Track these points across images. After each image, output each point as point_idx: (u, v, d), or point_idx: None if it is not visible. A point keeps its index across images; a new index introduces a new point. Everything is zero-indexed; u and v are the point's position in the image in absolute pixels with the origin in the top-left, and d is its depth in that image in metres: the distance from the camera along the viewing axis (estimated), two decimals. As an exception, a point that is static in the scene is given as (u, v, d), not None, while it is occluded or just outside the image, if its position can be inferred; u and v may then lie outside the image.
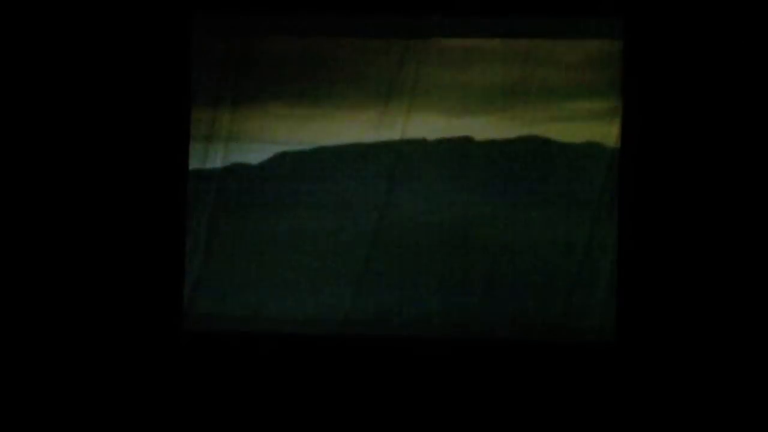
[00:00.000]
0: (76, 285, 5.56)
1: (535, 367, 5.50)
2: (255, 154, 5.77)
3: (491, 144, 5.70)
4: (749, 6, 5.44)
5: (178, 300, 5.62)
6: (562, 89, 5.67)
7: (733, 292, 5.39)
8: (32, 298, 5.54)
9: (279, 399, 5.55)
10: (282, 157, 5.77)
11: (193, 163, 5.72)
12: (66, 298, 5.56)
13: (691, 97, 5.47)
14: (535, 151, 5.68)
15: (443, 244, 5.68)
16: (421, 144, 5.73)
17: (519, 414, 5.48)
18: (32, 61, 5.58)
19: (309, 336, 5.62)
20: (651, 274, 5.44)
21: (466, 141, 5.72)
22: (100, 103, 5.59)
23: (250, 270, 5.71)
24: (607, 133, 5.63)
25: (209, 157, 5.76)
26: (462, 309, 5.64)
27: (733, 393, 5.35)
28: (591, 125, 5.66)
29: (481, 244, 5.67)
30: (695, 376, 5.39)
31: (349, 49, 5.75)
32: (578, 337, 5.57)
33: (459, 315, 5.64)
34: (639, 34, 5.54)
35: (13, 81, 5.57)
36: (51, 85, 5.59)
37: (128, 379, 5.52)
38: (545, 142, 5.68)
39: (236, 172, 5.77)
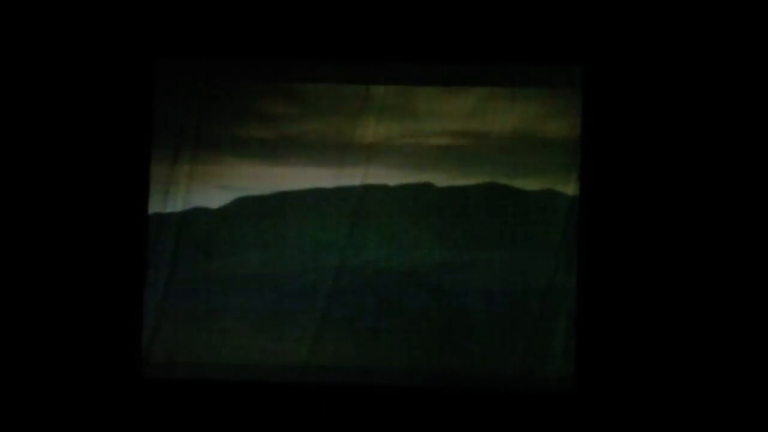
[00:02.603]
0: (33, 331, 5.48)
1: (495, 416, 5.50)
2: (215, 198, 5.73)
3: (451, 190, 5.71)
4: (708, 54, 5.51)
5: (136, 347, 5.56)
6: (522, 136, 5.69)
7: (694, 339, 5.44)
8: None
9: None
10: (242, 201, 5.73)
11: (153, 208, 5.67)
12: (22, 344, 5.48)
13: (650, 144, 5.53)
14: (494, 197, 5.70)
15: (403, 289, 5.68)
16: (381, 189, 5.72)
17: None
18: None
19: (268, 383, 5.58)
20: (611, 322, 5.48)
21: (427, 187, 5.72)
22: (59, 146, 5.53)
23: (209, 315, 5.67)
24: (566, 179, 5.67)
25: (169, 201, 5.71)
26: (422, 356, 5.64)
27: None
28: (550, 172, 5.69)
29: (442, 289, 5.67)
30: (655, 425, 5.43)
31: (310, 94, 5.73)
32: (537, 385, 5.59)
33: (419, 362, 5.64)
34: (598, 82, 5.58)
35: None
36: (13, 126, 5.53)
37: (85, 428, 5.44)
38: (505, 189, 5.70)
39: (196, 216, 5.73)
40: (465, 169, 5.71)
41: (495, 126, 5.70)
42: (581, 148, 5.61)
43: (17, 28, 5.54)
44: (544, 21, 5.57)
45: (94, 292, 5.51)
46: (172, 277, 5.67)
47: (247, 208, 5.71)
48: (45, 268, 5.50)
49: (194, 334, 5.66)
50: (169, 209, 5.71)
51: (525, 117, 5.69)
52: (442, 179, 5.71)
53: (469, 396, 5.54)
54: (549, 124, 5.69)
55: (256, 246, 5.70)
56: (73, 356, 5.49)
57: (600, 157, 5.56)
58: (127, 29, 5.56)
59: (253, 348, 5.66)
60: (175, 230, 5.69)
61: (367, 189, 5.71)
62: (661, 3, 5.51)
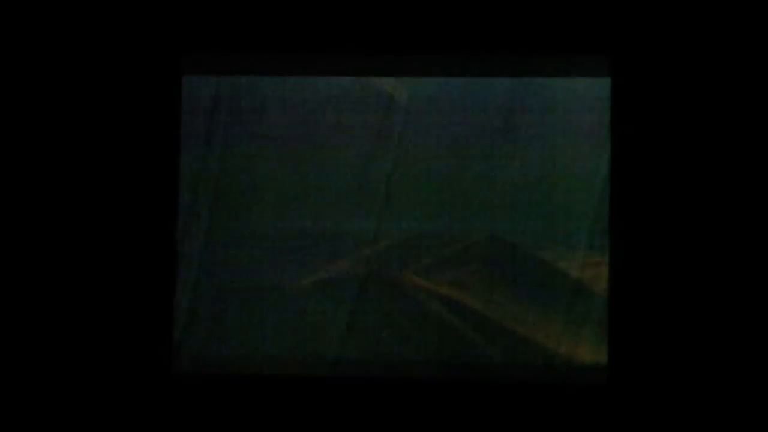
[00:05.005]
0: (62, 325, 5.51)
1: (526, 409, 5.47)
2: (243, 193, 5.74)
3: (480, 180, 5.68)
4: (738, 41, 5.48)
5: (168, 341, 5.57)
6: (552, 125, 5.68)
7: (729, 330, 5.39)
8: (14, 344, 5.49)
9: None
10: (272, 192, 5.72)
11: (182, 200, 5.68)
12: (51, 339, 5.51)
13: (681, 131, 5.49)
14: (525, 184, 5.67)
15: (435, 275, 5.68)
16: (410, 181, 5.71)
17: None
18: (18, 102, 5.58)
19: (301, 377, 5.58)
20: (645, 311, 5.44)
21: (457, 176, 5.69)
22: (85, 145, 5.57)
23: (241, 309, 5.68)
24: (596, 170, 5.64)
25: (198, 202, 5.73)
26: (452, 347, 5.63)
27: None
28: (580, 162, 5.67)
29: (470, 276, 5.66)
30: (691, 419, 5.38)
31: (338, 87, 5.74)
32: (569, 377, 5.56)
33: (449, 354, 5.62)
34: (626, 71, 5.55)
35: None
36: (38, 124, 5.58)
37: (113, 426, 5.46)
38: (536, 180, 5.68)
39: (224, 211, 5.75)
40: (495, 160, 5.68)
41: (525, 117, 5.69)
42: (611, 138, 5.57)
43: (43, 25, 5.60)
44: (568, 9, 5.54)
45: (126, 284, 5.53)
46: (203, 270, 5.68)
47: (276, 199, 5.72)
48: (77, 264, 5.54)
49: (227, 327, 5.67)
50: (198, 202, 5.73)
51: (555, 105, 5.68)
52: (472, 168, 5.69)
53: (499, 388, 5.51)
54: (578, 115, 5.67)
55: (287, 237, 5.70)
56: (102, 352, 5.51)
57: (630, 146, 5.53)
58: (153, 25, 5.59)
59: (283, 340, 5.67)
60: (205, 222, 5.72)
61: (396, 180, 5.71)
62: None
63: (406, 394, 5.51)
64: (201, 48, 5.65)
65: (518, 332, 5.63)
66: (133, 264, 5.53)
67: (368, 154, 5.72)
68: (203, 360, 5.64)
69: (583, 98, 5.66)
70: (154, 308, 5.53)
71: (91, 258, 5.53)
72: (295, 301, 5.69)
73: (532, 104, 5.68)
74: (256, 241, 5.70)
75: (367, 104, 5.74)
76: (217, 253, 5.71)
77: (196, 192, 5.73)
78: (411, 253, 5.69)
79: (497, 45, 5.58)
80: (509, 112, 5.69)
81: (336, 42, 5.60)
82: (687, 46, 5.51)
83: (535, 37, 5.56)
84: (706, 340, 5.40)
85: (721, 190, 5.46)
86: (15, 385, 5.48)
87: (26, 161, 5.57)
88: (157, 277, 5.55)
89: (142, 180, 5.57)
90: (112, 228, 5.54)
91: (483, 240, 5.67)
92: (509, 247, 5.65)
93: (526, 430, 5.46)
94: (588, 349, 5.59)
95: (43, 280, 5.52)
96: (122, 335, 5.51)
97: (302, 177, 5.72)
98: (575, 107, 5.67)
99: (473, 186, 5.67)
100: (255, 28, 5.62)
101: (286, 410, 5.52)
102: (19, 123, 5.58)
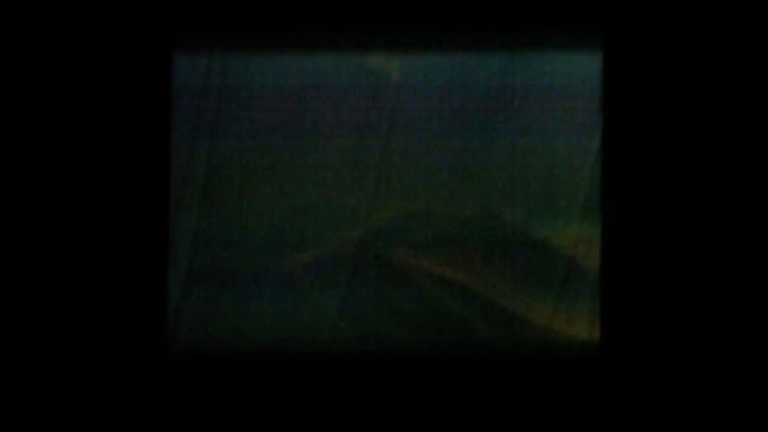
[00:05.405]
0: (56, 305, 5.50)
1: (519, 385, 5.49)
2: (236, 178, 5.72)
3: (474, 151, 5.67)
4: (735, 18, 5.47)
5: (162, 321, 5.56)
6: (543, 103, 5.67)
7: (720, 307, 5.41)
8: (9, 330, 5.48)
9: (267, 420, 5.52)
10: (264, 170, 5.69)
11: (174, 190, 5.66)
12: (43, 321, 5.49)
13: (673, 108, 5.49)
14: (519, 156, 5.66)
15: (427, 254, 5.67)
16: (403, 158, 5.70)
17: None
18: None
19: (295, 355, 5.59)
20: (637, 290, 5.46)
21: (449, 150, 5.68)
22: (73, 125, 5.53)
23: (235, 289, 5.68)
24: (588, 147, 5.64)
25: (190, 180, 5.70)
26: (445, 324, 5.64)
27: (721, 417, 5.38)
28: (571, 139, 5.67)
29: (463, 259, 5.66)
30: (684, 397, 5.41)
31: (327, 63, 5.71)
32: (560, 353, 5.58)
33: (442, 330, 5.63)
34: (620, 46, 5.54)
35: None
36: (22, 107, 5.54)
37: (109, 405, 5.46)
38: (526, 155, 5.67)
39: (217, 195, 5.73)
40: (488, 132, 5.67)
41: (517, 91, 5.68)
42: (602, 113, 5.57)
43: (25, 4, 5.55)
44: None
45: (118, 264, 5.51)
46: (196, 248, 5.67)
47: (268, 178, 5.70)
48: (70, 247, 5.52)
49: (220, 305, 5.67)
50: (190, 189, 5.70)
51: (546, 83, 5.67)
52: (464, 142, 5.67)
53: (492, 364, 5.53)
54: (569, 90, 5.66)
55: (279, 215, 5.69)
56: (94, 331, 5.49)
57: (622, 121, 5.53)
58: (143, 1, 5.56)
59: (277, 317, 5.66)
60: (197, 201, 5.70)
61: (389, 160, 5.70)
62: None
63: (400, 372, 5.52)
64: (191, 24, 5.60)
65: (512, 309, 5.64)
66: (126, 243, 5.51)
67: (360, 132, 5.71)
68: (196, 339, 5.65)
69: (575, 75, 5.66)
70: (147, 288, 5.51)
71: (82, 238, 5.50)
72: (288, 280, 5.69)
73: (526, 81, 5.68)
74: (249, 220, 5.70)
75: (359, 82, 5.72)
76: (210, 231, 5.70)
77: (187, 172, 5.71)
78: (404, 231, 5.70)
79: (489, 20, 5.56)
80: (502, 89, 5.69)
81: (329, 17, 5.57)
82: (680, 22, 5.51)
83: (528, 12, 5.54)
84: (697, 316, 5.42)
85: (713, 168, 5.47)
86: (8, 369, 5.47)
87: (10, 143, 5.52)
88: (151, 257, 5.53)
89: (133, 160, 5.54)
90: (103, 208, 5.52)
91: (477, 217, 5.68)
92: (504, 224, 5.66)
93: (519, 407, 5.47)
94: (581, 326, 5.61)
95: (33, 261, 5.49)
96: (116, 315, 5.48)
97: (294, 156, 5.71)
98: (568, 83, 5.66)
99: (467, 163, 5.68)
100: (247, 3, 5.58)
101: (279, 387, 5.53)
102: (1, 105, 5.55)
